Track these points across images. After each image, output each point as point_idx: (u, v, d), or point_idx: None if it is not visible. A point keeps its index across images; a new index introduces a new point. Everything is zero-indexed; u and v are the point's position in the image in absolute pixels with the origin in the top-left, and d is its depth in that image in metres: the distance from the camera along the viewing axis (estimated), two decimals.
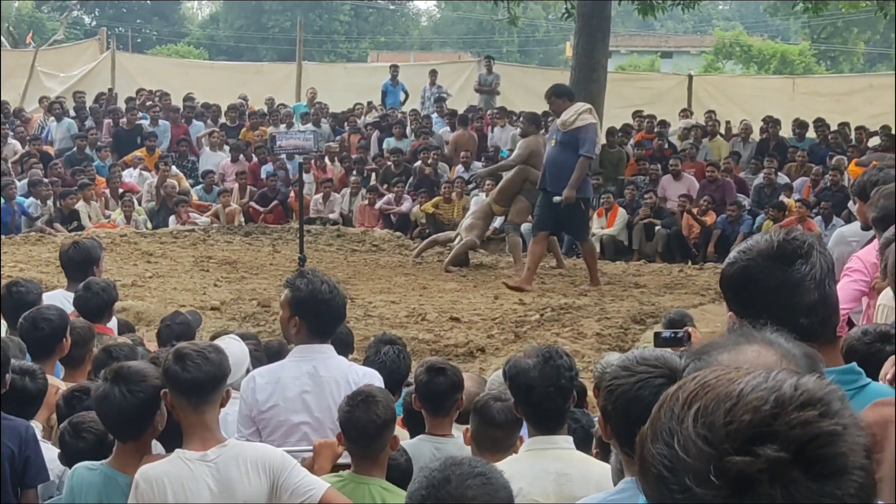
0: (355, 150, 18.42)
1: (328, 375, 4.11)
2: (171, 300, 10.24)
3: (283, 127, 18.32)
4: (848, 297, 4.70)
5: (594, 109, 11.79)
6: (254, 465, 3.40)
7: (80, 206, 15.49)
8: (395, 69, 21.67)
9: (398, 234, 15.66)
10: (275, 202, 16.83)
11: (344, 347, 4.98)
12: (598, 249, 14.52)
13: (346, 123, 19.66)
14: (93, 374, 4.59)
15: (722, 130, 18.41)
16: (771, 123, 17.55)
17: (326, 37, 50.99)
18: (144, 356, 4.39)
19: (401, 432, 4.10)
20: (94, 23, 50.84)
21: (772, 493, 1.16)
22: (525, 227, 12.78)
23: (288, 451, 3.62)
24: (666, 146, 17.25)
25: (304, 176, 15.16)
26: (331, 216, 16.62)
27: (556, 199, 11.08)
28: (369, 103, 20.68)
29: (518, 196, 12.44)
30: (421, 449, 4.07)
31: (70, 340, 4.89)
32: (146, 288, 11.01)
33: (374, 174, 17.62)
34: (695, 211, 14.92)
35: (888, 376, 3.00)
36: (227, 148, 18.34)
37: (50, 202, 15.58)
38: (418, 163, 17.27)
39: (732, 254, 2.45)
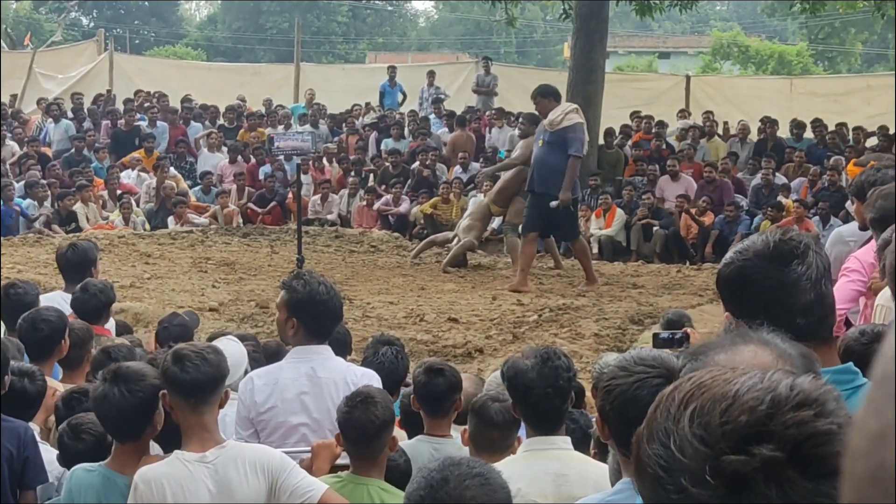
0: (353, 151, 18.42)
1: (326, 376, 4.11)
2: (170, 301, 10.23)
3: (281, 128, 18.33)
4: (845, 297, 4.70)
5: (580, 109, 11.80)
6: (252, 466, 3.41)
7: (78, 207, 15.48)
8: (392, 70, 21.66)
9: (396, 235, 15.65)
10: (273, 203, 16.83)
11: (342, 348, 4.98)
12: (595, 249, 14.54)
13: (344, 124, 19.65)
14: (91, 375, 4.59)
15: (720, 131, 18.41)
16: (769, 124, 17.56)
17: (324, 38, 50.96)
18: (143, 357, 4.40)
19: (398, 433, 4.10)
20: (92, 24, 50.79)
21: (767, 492, 1.16)
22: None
23: (286, 453, 3.63)
24: (664, 147, 17.26)
25: (303, 177, 15.16)
26: (329, 217, 16.62)
27: (553, 203, 11.09)
28: (367, 104, 20.67)
29: (516, 196, 12.44)
30: (419, 449, 4.07)
31: (69, 342, 4.89)
32: (144, 289, 11.00)
33: (372, 175, 17.62)
34: (693, 211, 14.92)
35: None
36: (225, 149, 18.34)
37: (47, 203, 15.58)
38: (416, 164, 17.27)
39: (729, 254, 2.46)
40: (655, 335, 3.61)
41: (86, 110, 19.91)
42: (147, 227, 15.80)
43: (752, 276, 2.35)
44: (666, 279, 12.74)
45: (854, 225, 5.88)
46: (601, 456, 3.47)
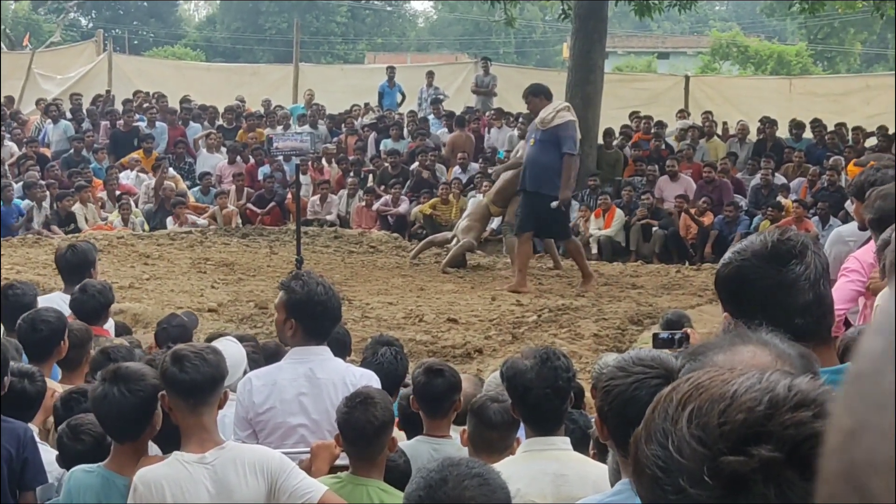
0: (352, 151, 18.41)
1: (325, 377, 4.11)
2: (169, 302, 10.22)
3: (280, 128, 18.32)
4: (845, 297, 4.70)
5: (573, 108, 11.78)
6: (252, 467, 3.41)
7: (77, 208, 15.48)
8: (391, 70, 21.66)
9: (395, 235, 15.65)
10: (272, 204, 16.82)
11: (341, 349, 4.98)
12: (594, 249, 14.54)
13: (343, 125, 19.65)
14: (90, 376, 4.59)
15: (719, 131, 18.40)
16: (768, 124, 17.57)
17: (323, 38, 50.93)
18: (142, 358, 4.40)
19: (398, 434, 4.10)
20: (90, 25, 50.78)
21: (766, 492, 1.16)
22: None
23: (285, 454, 3.63)
24: (663, 147, 17.26)
25: (302, 177, 15.16)
26: (328, 218, 16.61)
27: (554, 203, 11.08)
28: (366, 105, 20.66)
29: (515, 197, 12.44)
30: (419, 450, 4.07)
31: (68, 343, 4.89)
32: (143, 290, 11.00)
33: (371, 175, 17.62)
34: (692, 212, 14.92)
35: None
36: (224, 150, 18.34)
37: (46, 204, 15.58)
38: (415, 164, 17.27)
39: (727, 254, 2.46)
40: (655, 335, 3.61)
41: (84, 111, 19.91)
42: (146, 227, 15.80)
43: (750, 276, 2.35)
44: (665, 279, 12.74)
45: (853, 225, 5.88)
46: (600, 456, 3.47)
